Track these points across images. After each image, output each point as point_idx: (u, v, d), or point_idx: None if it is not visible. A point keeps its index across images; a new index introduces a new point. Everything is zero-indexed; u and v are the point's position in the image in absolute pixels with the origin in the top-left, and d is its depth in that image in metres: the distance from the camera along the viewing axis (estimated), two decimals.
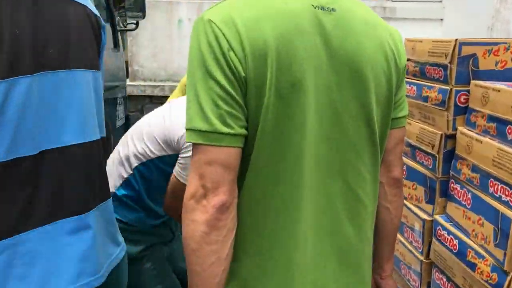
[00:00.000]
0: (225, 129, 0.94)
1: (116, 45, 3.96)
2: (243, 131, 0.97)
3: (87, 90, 1.14)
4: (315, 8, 1.00)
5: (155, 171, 1.69)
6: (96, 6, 3.66)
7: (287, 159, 0.99)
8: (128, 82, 5.03)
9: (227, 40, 0.94)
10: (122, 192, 1.73)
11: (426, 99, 1.88)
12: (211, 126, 0.94)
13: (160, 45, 5.69)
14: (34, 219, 1.03)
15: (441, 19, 6.05)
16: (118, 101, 3.98)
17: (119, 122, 4.04)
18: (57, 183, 1.07)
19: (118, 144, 1.82)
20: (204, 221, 0.94)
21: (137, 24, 4.36)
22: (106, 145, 1.25)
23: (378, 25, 1.08)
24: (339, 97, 1.02)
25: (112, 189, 1.71)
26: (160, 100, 5.42)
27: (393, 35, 1.11)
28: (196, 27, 0.98)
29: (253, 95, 0.95)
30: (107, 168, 1.78)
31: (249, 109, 0.96)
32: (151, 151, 1.66)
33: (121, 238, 1.28)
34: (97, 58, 1.20)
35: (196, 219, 0.95)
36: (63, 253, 1.06)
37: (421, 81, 1.94)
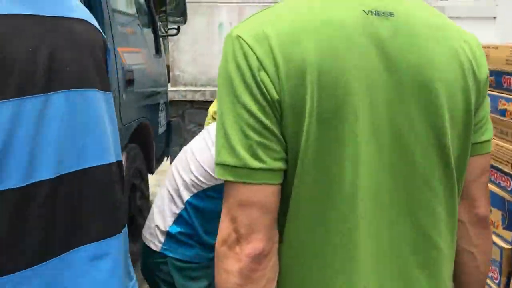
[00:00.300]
0: (256, 164, 0.79)
1: (158, 50, 3.91)
2: (279, 165, 0.81)
3: (103, 110, 1.12)
4: (367, 14, 0.83)
5: (208, 201, 1.59)
6: (137, 10, 3.62)
7: (337, 197, 0.83)
8: (169, 87, 4.98)
9: (257, 58, 0.80)
10: (176, 229, 1.63)
11: (503, 112, 1.69)
12: (239, 160, 0.79)
13: (200, 50, 5.62)
14: (53, 247, 0.99)
15: (494, 18, 5.75)
16: (160, 107, 3.92)
17: (161, 129, 3.98)
18: (76, 207, 1.03)
19: (165, 181, 1.73)
20: (238, 271, 0.80)
21: (178, 29, 4.30)
22: (122, 170, 1.21)
23: (449, 29, 0.90)
24: (402, 118, 0.84)
25: (164, 228, 1.63)
26: (201, 105, 5.34)
27: (468, 40, 0.92)
28: (225, 45, 0.84)
29: (290, 121, 0.80)
30: (157, 206, 1.70)
31: (287, 138, 0.81)
32: (202, 182, 1.59)
33: (133, 273, 1.23)
34: (107, 79, 1.17)
35: (229, 268, 0.81)
36: (83, 283, 1.03)
37: (497, 92, 1.75)
